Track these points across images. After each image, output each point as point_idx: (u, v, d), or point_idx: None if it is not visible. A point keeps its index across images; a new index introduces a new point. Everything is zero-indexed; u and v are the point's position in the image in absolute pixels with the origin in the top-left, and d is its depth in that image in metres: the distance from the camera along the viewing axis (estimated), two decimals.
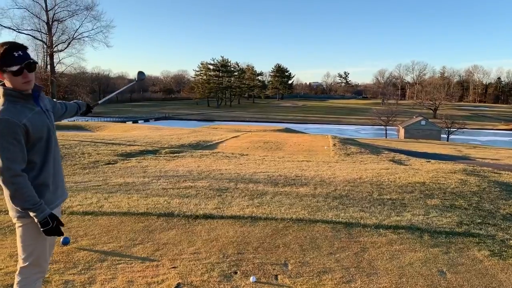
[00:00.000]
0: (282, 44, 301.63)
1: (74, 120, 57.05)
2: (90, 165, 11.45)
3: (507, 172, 13.12)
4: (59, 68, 51.37)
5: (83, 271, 3.80)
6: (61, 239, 4.45)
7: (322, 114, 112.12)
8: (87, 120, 61.95)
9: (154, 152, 15.44)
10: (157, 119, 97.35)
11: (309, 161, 13.88)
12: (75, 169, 10.71)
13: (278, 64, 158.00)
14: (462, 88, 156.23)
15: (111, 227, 5.13)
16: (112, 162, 12.11)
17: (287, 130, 42.51)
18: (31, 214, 2.40)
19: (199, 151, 16.27)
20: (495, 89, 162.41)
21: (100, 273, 3.78)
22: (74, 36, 49.71)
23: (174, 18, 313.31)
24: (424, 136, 56.79)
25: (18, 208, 2.41)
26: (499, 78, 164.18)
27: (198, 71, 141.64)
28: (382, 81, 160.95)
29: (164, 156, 14.14)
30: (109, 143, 17.26)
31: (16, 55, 2.34)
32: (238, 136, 24.47)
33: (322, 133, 41.11)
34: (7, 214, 5.58)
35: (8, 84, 2.41)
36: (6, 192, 2.37)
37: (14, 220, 2.53)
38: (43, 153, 2.52)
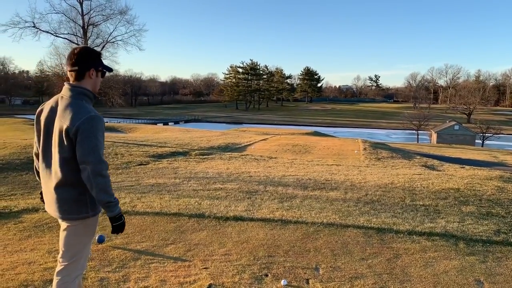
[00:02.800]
0: (311, 47, 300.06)
1: (107, 122, 58.54)
2: (123, 165, 11.72)
3: None
4: None
5: (117, 269, 3.89)
6: (97, 238, 4.57)
7: (352, 118, 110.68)
8: (119, 122, 63.49)
9: (184, 153, 15.65)
10: (187, 121, 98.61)
11: (339, 165, 13.75)
12: (109, 169, 10.96)
13: (307, 67, 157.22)
14: (498, 92, 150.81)
15: (144, 226, 5.23)
16: (144, 163, 12.36)
17: (316, 134, 42.26)
18: (108, 209, 2.46)
19: (228, 153, 16.39)
20: None
21: (134, 271, 3.85)
22: (108, 40, 51.13)
23: (204, 22, 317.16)
24: (457, 141, 55.18)
25: (105, 202, 2.43)
26: None
27: (227, 74, 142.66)
28: (414, 85, 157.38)
29: (194, 158, 14.32)
30: (141, 145, 17.62)
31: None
32: (266, 139, 24.49)
33: (352, 137, 40.61)
34: (47, 212, 5.79)
35: (88, 84, 2.59)
36: (93, 185, 2.39)
37: (64, 222, 2.58)
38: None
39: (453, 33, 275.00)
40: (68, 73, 2.59)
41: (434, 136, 60.42)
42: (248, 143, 21.37)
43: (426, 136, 68.37)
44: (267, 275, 3.85)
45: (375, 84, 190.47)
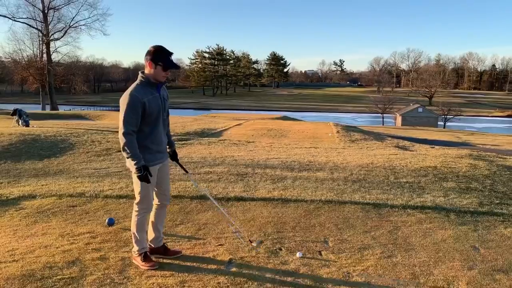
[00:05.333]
0: (277, 32, 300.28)
1: (70, 109, 56.85)
2: (103, 152, 11.57)
3: (511, 157, 13.41)
4: (55, 57, 51.00)
5: None
6: (107, 221, 4.62)
7: (319, 102, 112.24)
8: (82, 109, 61.74)
9: None
10: None
11: (317, 147, 14.07)
12: (89, 156, 10.83)
13: (274, 52, 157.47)
14: (457, 75, 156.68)
15: None
16: None
17: (285, 118, 42.62)
18: (131, 162, 3.37)
19: (206, 138, 16.42)
20: (490, 76, 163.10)
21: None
22: (71, 24, 49.27)
23: (168, 5, 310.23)
24: (421, 123, 57.18)
25: (125, 157, 3.40)
26: (493, 65, 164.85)
27: (193, 59, 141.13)
28: (378, 69, 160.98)
29: None
30: (115, 131, 17.31)
31: (171, 58, 3.42)
32: (241, 124, 24.61)
33: (320, 121, 41.28)
34: (46, 198, 5.76)
35: (149, 71, 3.41)
36: (120, 146, 3.39)
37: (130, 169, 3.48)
38: (152, 126, 3.46)
39: (415, 17, 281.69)
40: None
41: (399, 118, 62.31)
42: (223, 129, 21.43)
43: (391, 119, 70.40)
44: (281, 249, 4.05)
45: (340, 69, 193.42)
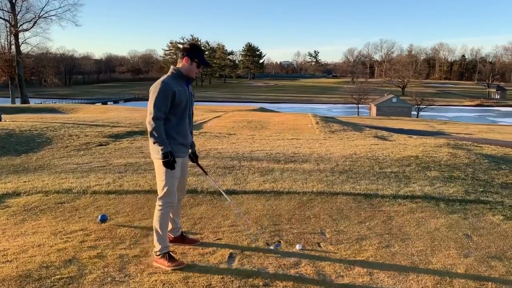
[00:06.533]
0: (252, 22, 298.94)
1: (41, 103, 55.22)
2: (82, 147, 11.31)
3: (486, 145, 13.83)
4: (24, 49, 49.31)
5: (132, 246, 3.91)
6: (99, 217, 4.52)
7: (294, 94, 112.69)
8: (54, 102, 60.14)
9: (142, 133, 15.30)
10: (126, 100, 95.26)
11: (299, 139, 14.14)
12: (69, 151, 10.56)
13: (249, 43, 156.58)
14: (428, 65, 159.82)
15: (139, 204, 5.22)
16: (103, 144, 11.98)
17: (262, 110, 42.66)
18: (158, 148, 3.38)
19: None
20: (460, 67, 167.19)
21: (150, 246, 3.88)
22: (40, 15, 47.66)
23: None
24: (395, 113, 58.26)
25: (152, 142, 3.41)
26: (463, 55, 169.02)
27: (167, 50, 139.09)
28: (352, 60, 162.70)
29: None
30: (92, 125, 16.97)
31: (205, 57, 3.62)
32: (220, 116, 24.48)
33: (296, 112, 41.49)
34: (32, 195, 5.58)
35: (183, 66, 3.54)
36: (148, 130, 3.42)
37: (154, 161, 3.57)
38: (178, 116, 3.52)
39: (387, 7, 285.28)
40: None
41: (374, 109, 63.26)
42: (203, 121, 21.26)
43: (366, 109, 71.41)
44: (280, 242, 4.05)
45: (315, 60, 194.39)
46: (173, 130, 3.49)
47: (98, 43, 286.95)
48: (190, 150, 3.88)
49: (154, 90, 3.39)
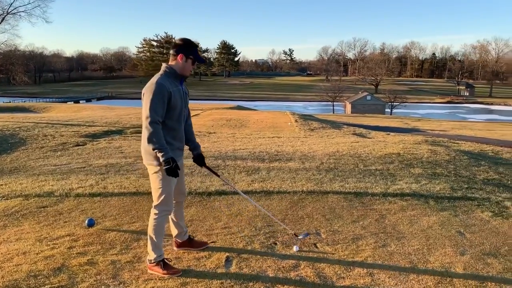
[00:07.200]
0: (226, 19, 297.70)
1: (10, 102, 53.48)
2: (59, 147, 10.95)
3: (462, 142, 14.14)
4: None
5: (124, 251, 3.76)
6: (86, 221, 4.34)
7: (270, 91, 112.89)
8: (24, 101, 58.33)
9: (119, 132, 14.99)
10: (99, 98, 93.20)
11: (280, 137, 14.11)
12: (45, 151, 10.21)
13: (224, 41, 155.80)
14: (400, 63, 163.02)
15: (126, 207, 5.05)
16: (80, 144, 11.64)
17: (240, 108, 42.51)
18: (158, 154, 3.15)
19: None
20: (431, 64, 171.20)
21: (142, 251, 3.75)
22: (9, 11, 45.98)
23: None
24: (369, 110, 59.11)
25: (151, 149, 3.16)
26: (434, 53, 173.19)
27: (140, 47, 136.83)
28: (326, 58, 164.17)
29: (132, 136, 13.78)
30: (67, 125, 16.50)
31: (200, 54, 3.43)
32: (198, 114, 24.25)
33: (272, 110, 41.56)
34: (11, 199, 5.33)
35: (177, 64, 3.33)
36: (144, 135, 3.19)
37: (149, 167, 3.34)
38: (174, 120, 3.31)
39: (360, 6, 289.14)
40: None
41: (349, 106, 64.02)
42: None
43: (341, 107, 72.18)
44: (276, 244, 3.97)
45: (290, 58, 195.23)
46: (169, 135, 3.29)
47: (68, 40, 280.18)
48: (194, 152, 3.75)
49: (148, 92, 3.16)
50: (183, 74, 3.38)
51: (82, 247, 3.82)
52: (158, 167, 3.25)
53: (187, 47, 3.33)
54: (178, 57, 3.32)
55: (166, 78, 3.27)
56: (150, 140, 3.14)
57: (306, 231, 4.16)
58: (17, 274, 3.26)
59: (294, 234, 4.03)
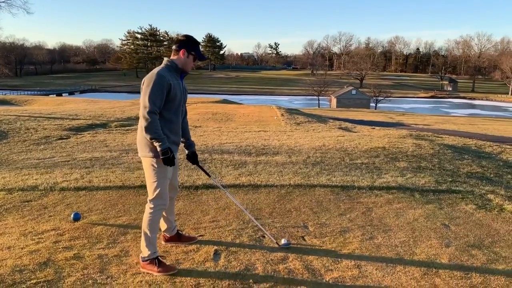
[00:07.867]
0: (211, 12, 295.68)
1: None
2: (42, 140, 10.78)
3: (446, 136, 14.34)
4: None
5: (111, 245, 3.72)
6: (72, 216, 4.28)
7: (256, 85, 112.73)
8: (5, 94, 57.18)
9: (104, 125, 14.83)
10: (82, 91, 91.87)
11: (266, 131, 14.12)
12: (27, 145, 10.04)
13: (209, 34, 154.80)
14: (385, 58, 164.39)
15: (112, 201, 5.00)
16: (64, 137, 11.48)
17: (225, 102, 42.35)
18: (156, 144, 3.15)
19: None
20: (415, 59, 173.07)
21: (129, 245, 3.72)
22: None
23: None
24: (355, 105, 59.49)
25: (148, 138, 3.16)
26: (418, 48, 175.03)
27: (124, 40, 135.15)
28: (311, 52, 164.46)
29: (116, 130, 13.65)
30: (50, 118, 16.26)
31: (201, 50, 3.48)
32: None
33: (258, 104, 41.53)
34: None
35: (179, 59, 3.37)
36: (141, 124, 3.22)
37: (144, 160, 3.32)
38: (172, 113, 3.31)
39: (346, 1, 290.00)
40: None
41: (334, 101, 64.34)
42: None
43: (326, 101, 72.51)
44: (264, 237, 3.98)
45: (275, 52, 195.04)
46: (166, 127, 3.28)
47: (50, 31, 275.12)
48: (188, 150, 3.79)
49: (148, 82, 3.18)
50: (184, 69, 3.40)
51: (68, 242, 3.77)
52: (154, 159, 3.23)
53: (189, 43, 3.38)
54: (180, 52, 3.35)
55: (167, 70, 3.29)
56: (147, 129, 3.14)
57: (287, 240, 3.84)
58: (2, 269, 3.20)
59: (277, 243, 3.83)
